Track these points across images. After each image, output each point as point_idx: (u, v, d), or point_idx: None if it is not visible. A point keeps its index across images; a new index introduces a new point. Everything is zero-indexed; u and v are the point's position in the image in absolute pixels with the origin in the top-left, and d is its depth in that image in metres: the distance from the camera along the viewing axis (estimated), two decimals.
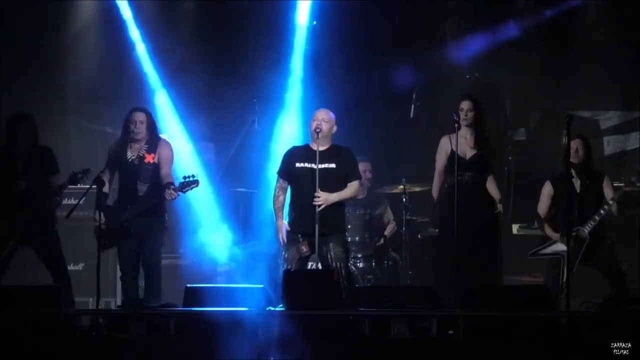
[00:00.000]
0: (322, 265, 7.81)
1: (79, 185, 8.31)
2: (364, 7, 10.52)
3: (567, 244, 7.48)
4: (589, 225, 8.19)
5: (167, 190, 8.11)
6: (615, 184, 8.44)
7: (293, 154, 8.04)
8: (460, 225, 7.79)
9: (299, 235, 7.84)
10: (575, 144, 8.23)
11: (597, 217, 8.20)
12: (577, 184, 8.30)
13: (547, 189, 8.44)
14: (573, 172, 8.15)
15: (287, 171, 7.99)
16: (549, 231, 8.40)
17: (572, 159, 8.17)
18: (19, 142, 8.27)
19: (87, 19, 10.63)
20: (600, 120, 10.78)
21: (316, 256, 7.79)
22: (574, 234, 8.10)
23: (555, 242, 8.35)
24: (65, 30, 10.57)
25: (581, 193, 8.29)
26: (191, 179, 8.15)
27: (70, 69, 10.60)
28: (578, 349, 6.51)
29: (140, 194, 8.22)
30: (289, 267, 7.78)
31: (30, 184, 8.17)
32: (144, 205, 8.18)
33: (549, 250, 8.35)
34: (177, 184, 8.15)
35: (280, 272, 7.73)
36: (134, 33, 10.57)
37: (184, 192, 8.19)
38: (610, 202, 8.17)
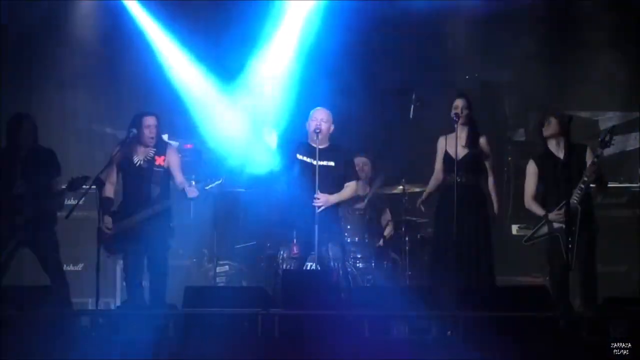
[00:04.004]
0: (320, 265, 7.80)
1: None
2: (365, 7, 10.52)
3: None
4: (577, 194, 7.93)
5: (188, 187, 8.09)
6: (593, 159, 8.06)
7: (295, 146, 7.99)
8: (454, 226, 7.80)
9: (294, 235, 7.84)
10: (553, 120, 8.17)
11: (582, 185, 7.94)
12: (559, 159, 8.14)
13: (532, 168, 8.36)
14: (553, 148, 8.14)
15: (290, 161, 7.93)
16: (537, 209, 8.22)
17: (549, 136, 8.15)
18: (19, 143, 8.26)
19: (87, 17, 10.63)
20: (600, 120, 10.77)
21: (315, 256, 7.79)
22: (563, 208, 7.88)
23: (545, 221, 8.11)
24: (65, 28, 10.57)
25: (565, 167, 8.00)
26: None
27: (70, 68, 10.60)
28: (578, 349, 6.51)
29: (154, 196, 8.20)
30: (287, 266, 7.77)
31: (31, 186, 8.15)
32: (159, 208, 8.16)
33: (542, 231, 8.13)
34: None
35: (279, 271, 7.74)
36: (136, 33, 10.60)
37: (206, 188, 8.17)
38: (589, 174, 7.94)
